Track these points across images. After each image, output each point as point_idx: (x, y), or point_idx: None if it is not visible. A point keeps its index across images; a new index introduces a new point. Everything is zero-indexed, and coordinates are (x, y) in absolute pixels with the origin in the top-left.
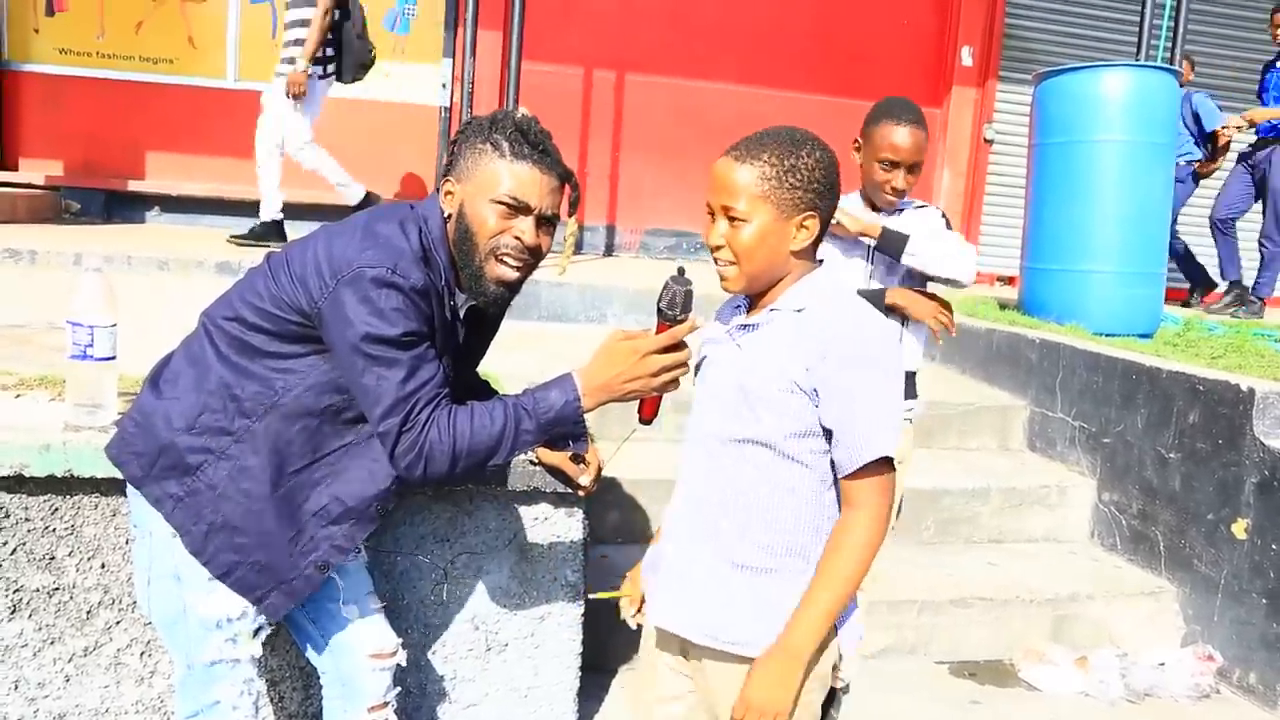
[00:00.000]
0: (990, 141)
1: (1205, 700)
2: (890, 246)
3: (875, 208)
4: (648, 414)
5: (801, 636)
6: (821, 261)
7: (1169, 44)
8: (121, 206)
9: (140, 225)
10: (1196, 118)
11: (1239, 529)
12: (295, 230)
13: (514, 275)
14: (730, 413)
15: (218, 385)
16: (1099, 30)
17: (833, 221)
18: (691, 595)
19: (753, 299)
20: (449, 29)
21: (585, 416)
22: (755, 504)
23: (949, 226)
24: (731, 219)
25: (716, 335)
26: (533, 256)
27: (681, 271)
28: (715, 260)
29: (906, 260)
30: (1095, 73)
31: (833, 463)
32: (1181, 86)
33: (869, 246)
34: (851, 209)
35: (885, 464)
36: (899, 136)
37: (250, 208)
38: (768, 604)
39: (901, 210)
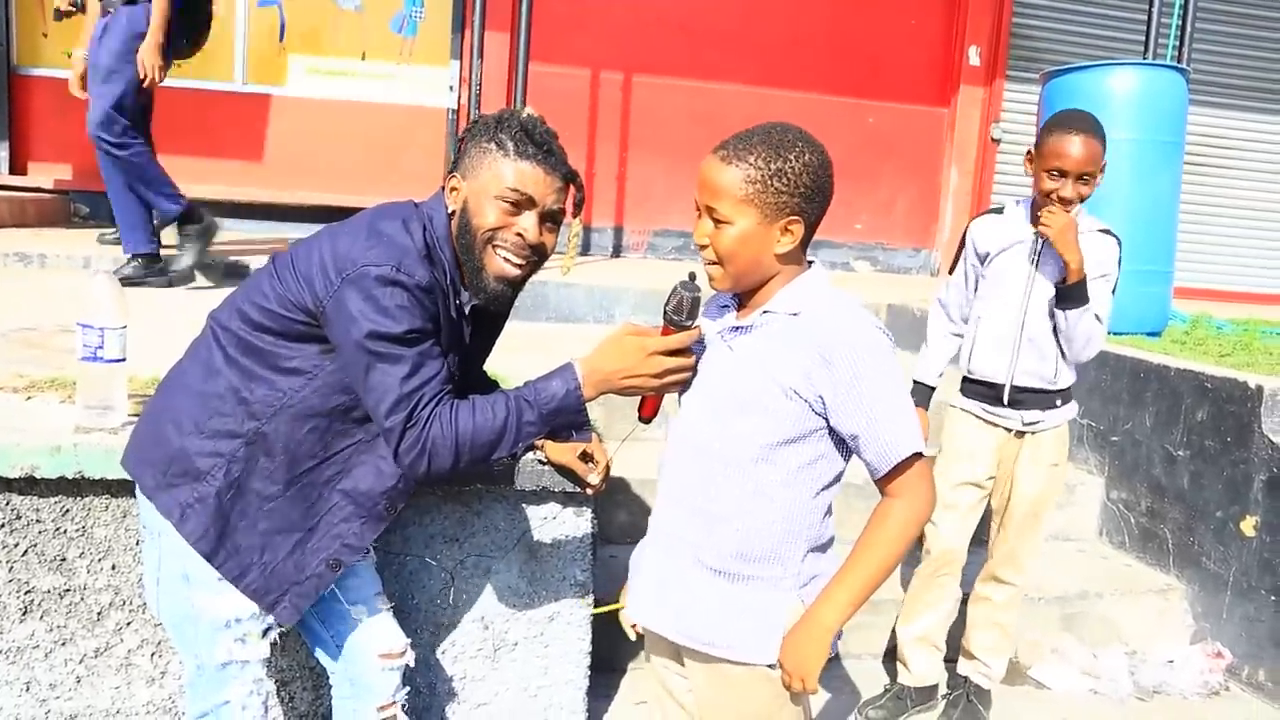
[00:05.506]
0: (998, 141)
1: (1215, 697)
2: (1072, 295)
3: (1037, 221)
4: (648, 413)
5: (828, 613)
6: (812, 262)
7: (1177, 43)
8: None
9: None
10: None
11: (1248, 526)
12: (301, 231)
13: (515, 272)
14: (718, 415)
15: (226, 389)
16: (1106, 29)
17: (1043, 221)
18: (670, 596)
19: (741, 297)
20: (456, 31)
21: (588, 407)
22: (734, 509)
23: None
24: (715, 220)
25: (707, 335)
26: (535, 254)
27: (692, 277)
28: (702, 257)
29: (1064, 315)
30: (1103, 71)
31: (846, 469)
32: None
33: (1047, 279)
34: (1078, 239)
35: (915, 456)
36: (1067, 145)
37: (258, 210)
38: (745, 609)
39: (1081, 234)
